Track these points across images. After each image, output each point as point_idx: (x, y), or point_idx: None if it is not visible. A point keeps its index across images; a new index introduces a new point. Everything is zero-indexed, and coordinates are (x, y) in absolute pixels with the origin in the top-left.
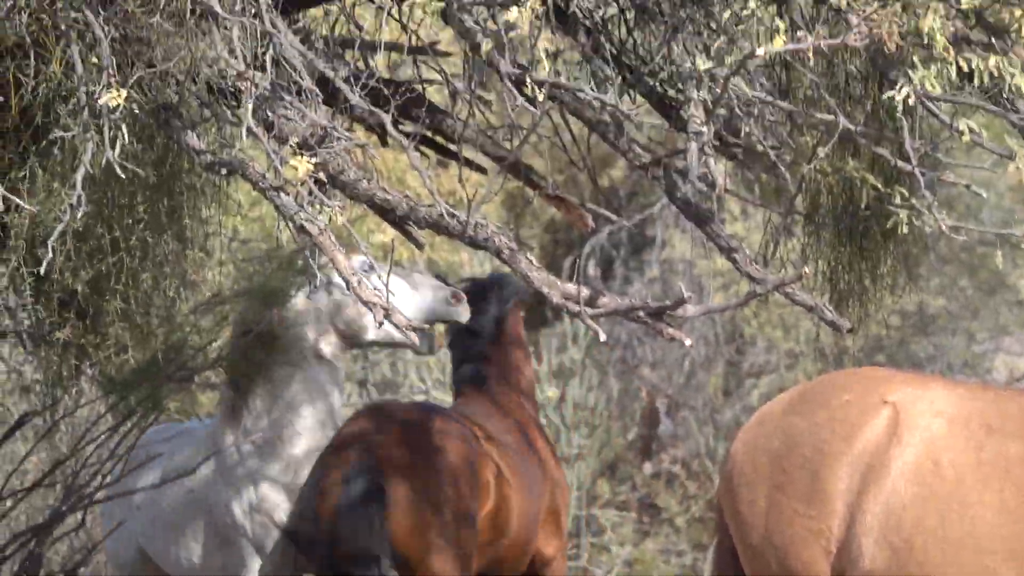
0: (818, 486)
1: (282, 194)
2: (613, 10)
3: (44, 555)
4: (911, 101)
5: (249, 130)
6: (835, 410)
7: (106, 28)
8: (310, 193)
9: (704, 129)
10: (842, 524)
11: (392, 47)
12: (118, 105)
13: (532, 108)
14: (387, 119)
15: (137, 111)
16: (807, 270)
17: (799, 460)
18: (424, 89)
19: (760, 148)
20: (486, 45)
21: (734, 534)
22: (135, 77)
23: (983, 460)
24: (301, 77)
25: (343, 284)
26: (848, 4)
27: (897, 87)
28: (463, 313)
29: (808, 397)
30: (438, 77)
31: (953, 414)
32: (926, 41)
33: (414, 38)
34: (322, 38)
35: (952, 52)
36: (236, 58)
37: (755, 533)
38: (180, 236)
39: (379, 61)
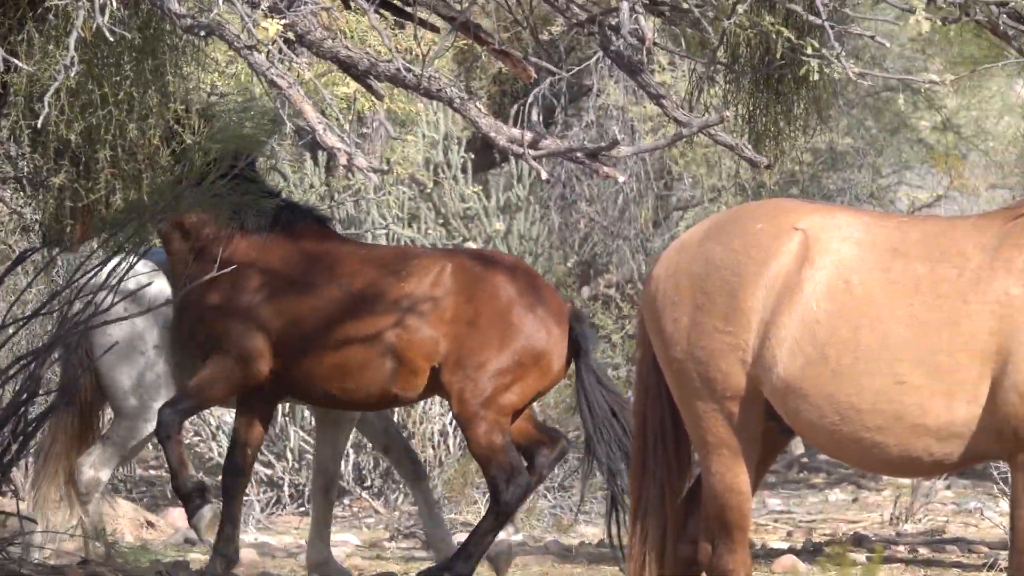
0: (735, 305)
1: (255, 52)
2: None
3: (43, 376)
4: None
5: None
6: (750, 237)
7: None
8: (280, 51)
9: None
10: (757, 338)
11: None
12: None
13: None
14: None
15: None
16: (728, 114)
17: (718, 282)
18: None
19: (685, 6)
20: None
21: (657, 349)
22: None
23: (892, 279)
24: None
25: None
26: None
27: None
28: None
29: (724, 226)
30: None
31: (860, 238)
32: None
33: None
34: None
35: None
36: None
37: (678, 348)
38: (163, 91)
39: None
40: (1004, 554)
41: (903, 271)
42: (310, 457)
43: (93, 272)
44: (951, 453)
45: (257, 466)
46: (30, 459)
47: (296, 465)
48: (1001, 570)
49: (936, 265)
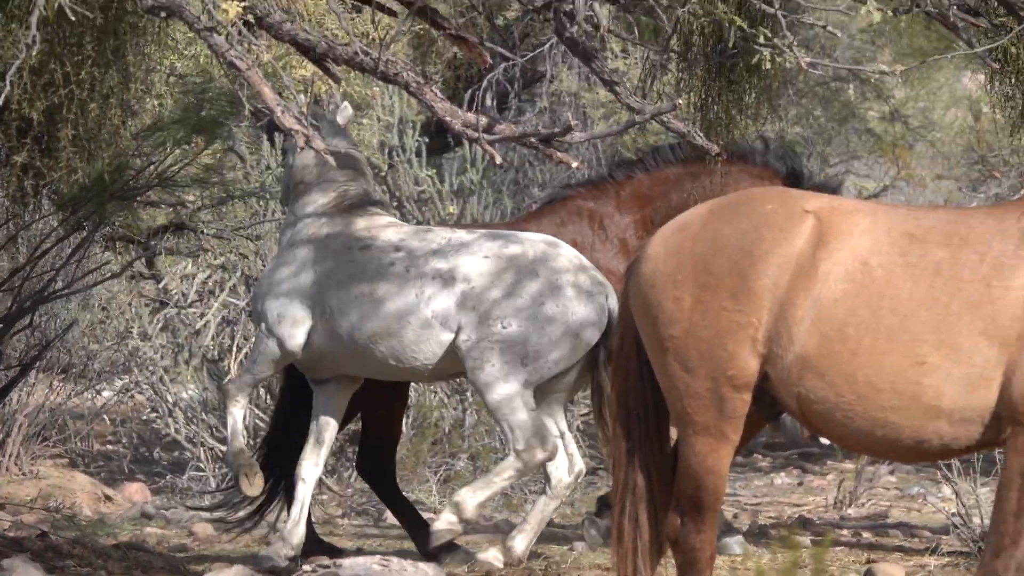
0: (745, 284)
1: (215, 34)
2: None
3: (4, 351)
4: None
5: None
6: (760, 217)
7: None
8: (239, 33)
9: None
10: (770, 316)
11: None
12: None
13: None
14: None
15: None
16: (680, 101)
17: (726, 262)
18: None
19: None
20: None
21: (647, 329)
22: None
23: (911, 263)
24: None
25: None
26: None
27: None
28: None
29: (733, 207)
30: None
31: (872, 223)
32: None
33: None
34: None
35: None
36: None
37: (678, 327)
38: (124, 72)
39: None
40: (946, 538)
41: (921, 255)
42: (263, 434)
43: (53, 249)
44: (959, 438)
45: (212, 442)
46: None
47: (252, 443)
48: (944, 554)
49: (957, 251)
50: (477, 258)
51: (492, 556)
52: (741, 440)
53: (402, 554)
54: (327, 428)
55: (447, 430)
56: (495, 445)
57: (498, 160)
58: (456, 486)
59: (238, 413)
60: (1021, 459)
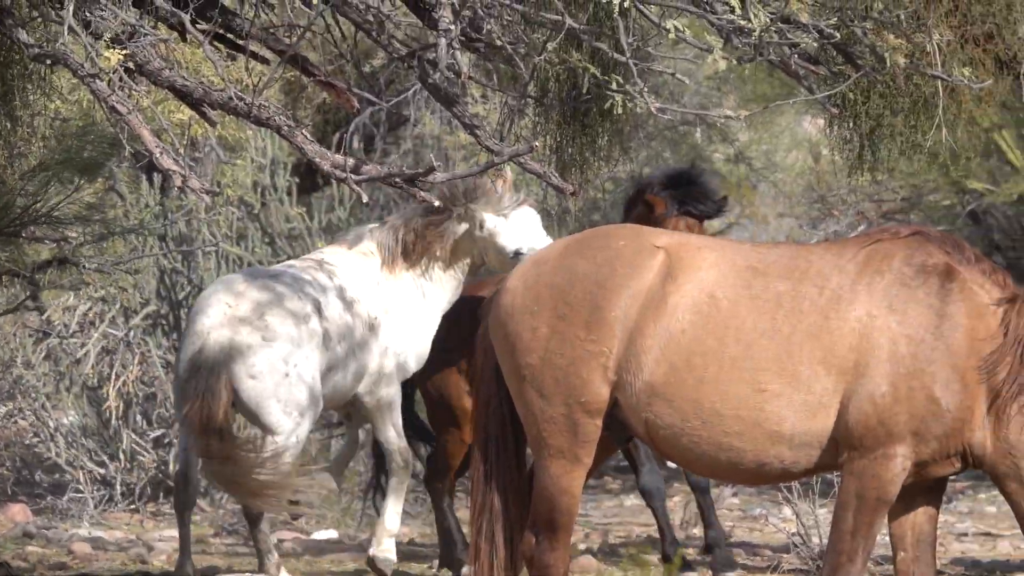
0: (598, 315)
1: (97, 80)
2: None
3: None
4: (626, 4)
5: (70, 28)
6: (614, 252)
7: None
8: (120, 79)
9: (452, 27)
10: (621, 346)
11: None
12: None
13: (308, 8)
14: (186, 18)
15: None
16: (536, 144)
17: (581, 294)
18: None
19: (499, 43)
20: None
21: (506, 357)
22: None
23: (754, 295)
24: None
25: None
26: None
27: None
28: None
29: (587, 243)
30: None
31: (718, 258)
32: None
33: None
34: None
35: None
36: None
37: (534, 355)
38: (11, 116)
39: None
40: (787, 557)
41: (764, 288)
42: (142, 458)
43: None
44: (799, 461)
45: (91, 465)
46: None
47: (128, 465)
48: (784, 572)
49: (797, 284)
50: None
51: (383, 550)
52: (593, 463)
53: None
54: None
55: None
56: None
57: (364, 199)
58: None
59: None
60: (856, 482)
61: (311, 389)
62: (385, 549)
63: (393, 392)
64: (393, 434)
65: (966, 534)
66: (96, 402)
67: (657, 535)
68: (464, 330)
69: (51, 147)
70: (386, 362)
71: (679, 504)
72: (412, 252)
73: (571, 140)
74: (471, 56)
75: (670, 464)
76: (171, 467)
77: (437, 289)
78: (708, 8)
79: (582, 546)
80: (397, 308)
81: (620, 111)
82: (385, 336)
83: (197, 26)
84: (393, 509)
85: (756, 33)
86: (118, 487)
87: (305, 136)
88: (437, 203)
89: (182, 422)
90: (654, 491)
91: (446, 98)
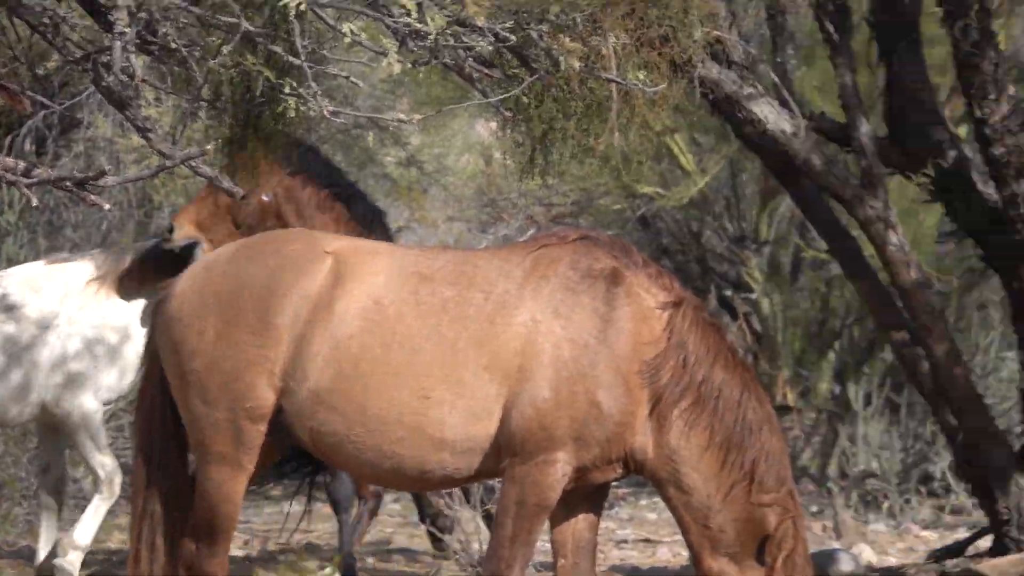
0: (265, 320)
1: None
2: None
3: None
4: (302, 7)
5: None
6: (284, 257)
7: None
8: None
9: (127, 30)
10: (287, 352)
11: None
12: None
13: None
14: None
15: None
16: (209, 147)
17: (249, 299)
18: None
19: (174, 46)
20: None
21: (171, 362)
22: None
23: (420, 301)
24: None
25: None
26: None
27: None
28: None
29: (257, 248)
30: None
31: (387, 264)
32: None
33: None
34: None
35: None
36: None
37: (200, 360)
38: None
39: None
40: (446, 564)
41: (430, 294)
42: None
43: None
44: (461, 468)
45: None
46: None
47: None
48: None
49: (464, 290)
50: None
51: (68, 561)
52: (256, 469)
53: None
54: None
55: None
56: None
57: (34, 202)
58: None
59: None
60: (517, 488)
61: None
62: (70, 561)
63: (87, 406)
64: (91, 450)
65: (626, 541)
66: None
67: (317, 542)
68: None
69: None
70: (62, 375)
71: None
72: (124, 281)
73: (244, 144)
74: (145, 59)
75: None
76: None
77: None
78: (384, 11)
79: (241, 552)
80: (87, 322)
81: (293, 114)
82: (62, 348)
83: None
84: (88, 524)
85: (432, 36)
86: None
87: None
88: (107, 207)
89: None
90: (342, 500)
91: (119, 101)
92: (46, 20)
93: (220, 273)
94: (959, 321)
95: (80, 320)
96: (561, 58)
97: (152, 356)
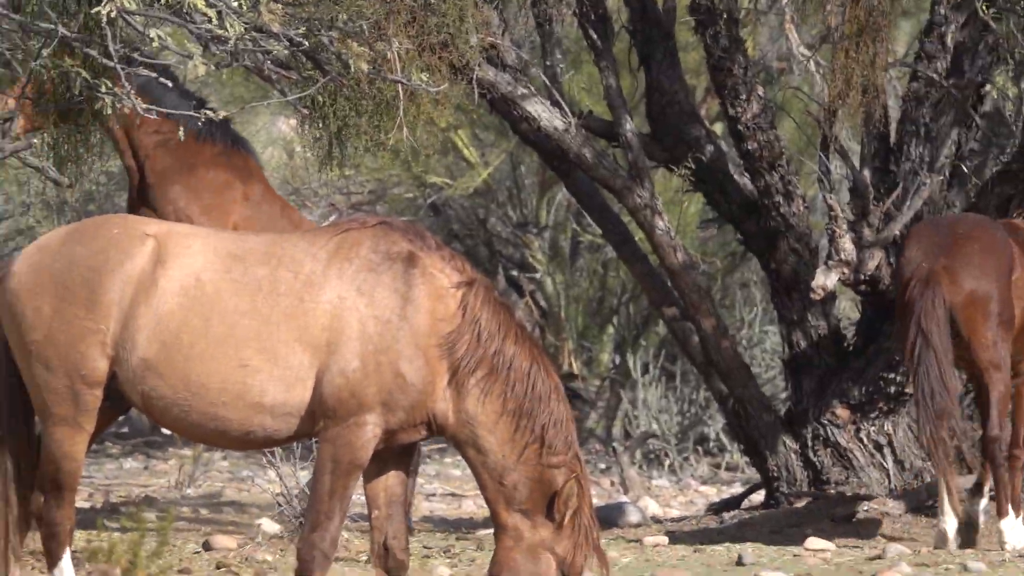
0: (95, 297)
1: None
2: None
3: None
4: (113, 14)
5: None
6: (108, 239)
7: None
8: None
9: None
10: (117, 325)
11: None
12: None
13: None
14: None
15: None
16: (35, 140)
17: (79, 278)
18: None
19: None
20: None
21: (14, 334)
22: None
23: (235, 279)
24: None
25: None
26: None
27: (103, 4)
28: None
29: (85, 230)
30: None
31: (203, 245)
32: None
33: None
34: None
35: None
36: None
37: (39, 332)
38: None
39: None
40: (271, 515)
41: (244, 272)
42: None
43: None
44: (280, 430)
45: None
46: None
47: None
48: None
49: (275, 270)
50: None
51: None
52: (96, 429)
53: None
54: None
55: None
56: None
57: None
58: None
59: None
60: (331, 448)
61: None
62: None
63: None
64: None
65: (434, 494)
66: None
67: (154, 495)
68: None
69: None
70: None
71: (174, 467)
72: None
73: (67, 138)
74: None
75: (165, 431)
76: None
77: None
78: (188, 18)
79: (87, 504)
80: None
81: (110, 110)
82: None
83: None
84: None
85: (232, 41)
86: None
87: None
88: None
89: None
90: None
91: None
92: None
93: (52, 254)
94: (724, 299)
95: None
96: (350, 61)
97: None
